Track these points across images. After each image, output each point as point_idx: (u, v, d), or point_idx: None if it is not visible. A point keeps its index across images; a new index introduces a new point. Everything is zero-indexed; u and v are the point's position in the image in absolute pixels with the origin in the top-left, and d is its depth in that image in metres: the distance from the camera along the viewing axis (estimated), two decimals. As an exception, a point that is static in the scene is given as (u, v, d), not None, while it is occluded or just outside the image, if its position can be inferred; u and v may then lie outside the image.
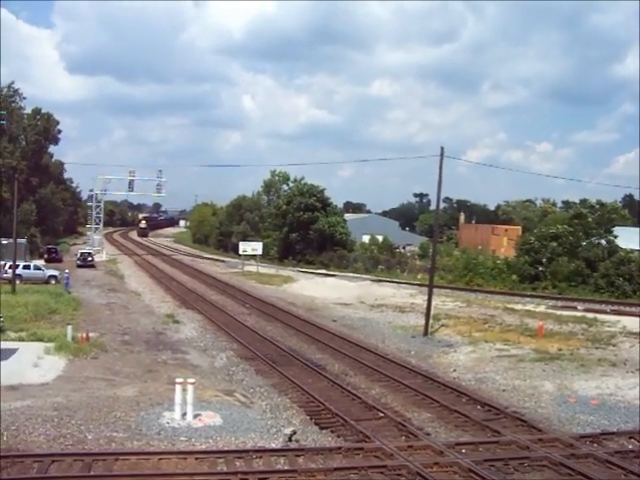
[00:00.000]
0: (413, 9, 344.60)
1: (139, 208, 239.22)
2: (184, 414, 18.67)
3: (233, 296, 49.47)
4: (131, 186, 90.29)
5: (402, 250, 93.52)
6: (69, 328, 29.13)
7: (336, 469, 15.27)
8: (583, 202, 75.55)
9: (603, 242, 60.87)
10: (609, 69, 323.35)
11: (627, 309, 45.60)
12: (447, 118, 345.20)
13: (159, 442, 17.07)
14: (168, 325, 35.67)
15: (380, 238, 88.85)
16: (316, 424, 19.33)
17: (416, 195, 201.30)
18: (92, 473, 14.71)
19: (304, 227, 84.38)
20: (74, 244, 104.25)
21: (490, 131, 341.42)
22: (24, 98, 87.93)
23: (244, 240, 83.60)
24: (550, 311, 44.15)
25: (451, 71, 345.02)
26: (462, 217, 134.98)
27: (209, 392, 21.72)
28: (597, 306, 46.90)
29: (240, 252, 76.19)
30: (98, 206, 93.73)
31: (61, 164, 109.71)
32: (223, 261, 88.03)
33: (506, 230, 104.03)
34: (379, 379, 24.79)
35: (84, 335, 28.94)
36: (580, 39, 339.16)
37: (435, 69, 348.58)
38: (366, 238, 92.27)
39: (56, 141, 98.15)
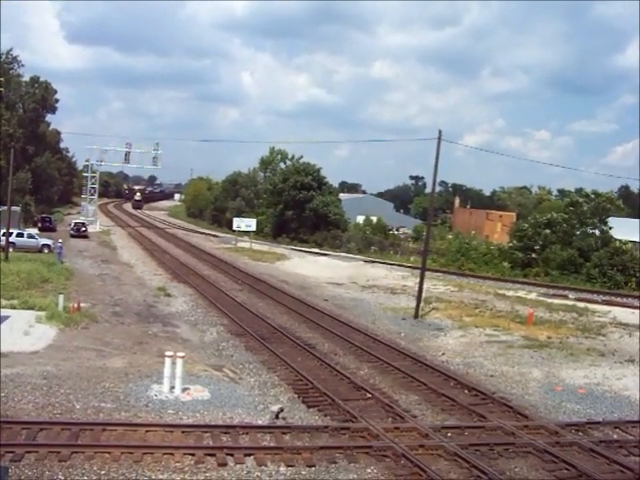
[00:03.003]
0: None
1: (134, 180, 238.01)
2: (172, 387, 18.75)
3: (225, 271, 49.45)
4: (127, 158, 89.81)
5: (396, 232, 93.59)
6: (61, 297, 29.12)
7: (322, 448, 15.34)
8: (579, 191, 75.65)
9: (597, 232, 61.00)
10: (610, 59, 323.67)
11: (618, 300, 45.84)
12: (446, 102, 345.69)
13: (146, 414, 17.15)
14: (159, 298, 35.67)
15: (374, 219, 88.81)
16: (303, 402, 19.35)
17: (412, 177, 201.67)
18: (79, 442, 14.76)
19: (299, 205, 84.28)
20: (68, 214, 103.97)
21: (489, 117, 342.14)
22: (22, 65, 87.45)
23: (238, 216, 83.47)
24: (541, 299, 44.31)
25: (452, 55, 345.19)
26: (457, 201, 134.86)
27: (198, 366, 21.80)
28: (589, 295, 47.14)
29: (234, 228, 76.19)
30: (93, 177, 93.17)
31: (58, 133, 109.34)
32: (217, 236, 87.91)
33: (500, 216, 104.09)
34: (368, 360, 24.84)
35: (75, 305, 28.95)
36: (582, 29, 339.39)
37: (436, 53, 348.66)
38: (360, 218, 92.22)
39: (53, 110, 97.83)
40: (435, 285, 46.94)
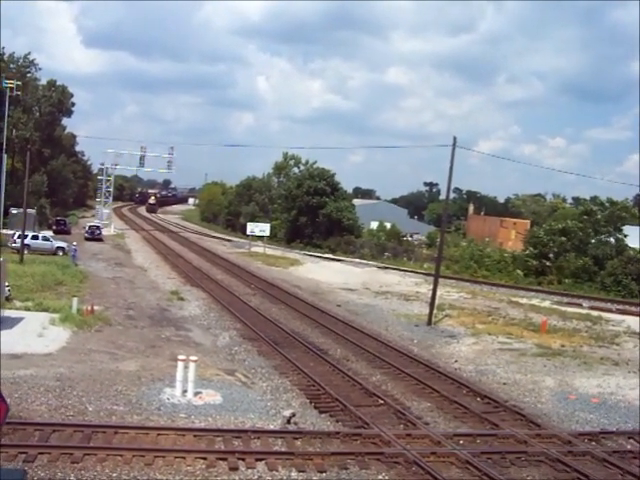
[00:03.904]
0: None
1: (149, 184, 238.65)
2: (185, 391, 18.77)
3: (238, 276, 49.53)
4: (142, 161, 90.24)
5: (409, 238, 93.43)
6: (75, 300, 29.27)
7: (333, 454, 15.32)
8: (593, 199, 75.30)
9: (612, 240, 60.65)
10: (626, 66, 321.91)
11: (633, 309, 45.44)
12: (461, 109, 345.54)
13: (159, 417, 17.19)
14: (173, 302, 35.76)
15: (388, 225, 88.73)
16: (315, 408, 19.36)
17: (426, 184, 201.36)
18: (92, 444, 14.82)
19: (313, 211, 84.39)
20: (83, 217, 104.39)
21: (503, 124, 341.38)
22: (39, 69, 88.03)
23: (252, 221, 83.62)
24: (555, 307, 44.07)
25: (467, 62, 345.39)
26: (471, 208, 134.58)
27: (210, 370, 21.81)
28: (602, 304, 46.81)
29: (248, 232, 76.33)
30: (108, 180, 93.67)
31: (73, 137, 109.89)
32: (230, 241, 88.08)
33: (515, 223, 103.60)
34: (380, 366, 24.81)
35: (89, 308, 29.06)
36: (598, 35, 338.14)
37: (451, 59, 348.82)
38: (374, 224, 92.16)
39: (69, 114, 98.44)
40: (448, 292, 46.79)
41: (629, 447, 17.59)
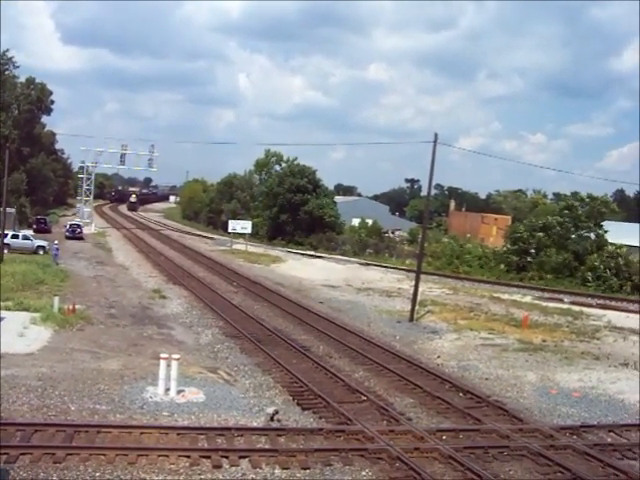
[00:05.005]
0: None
1: (130, 182, 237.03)
2: (167, 389, 18.73)
3: (220, 274, 49.42)
4: (123, 159, 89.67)
5: (391, 235, 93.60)
6: (56, 299, 29.11)
7: (316, 450, 15.34)
8: (574, 194, 75.63)
9: (592, 235, 61.02)
10: (606, 63, 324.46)
11: (613, 303, 45.84)
12: (441, 105, 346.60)
13: (141, 416, 17.15)
14: (154, 300, 35.62)
15: (370, 222, 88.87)
16: (298, 405, 19.36)
17: (407, 180, 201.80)
18: (74, 444, 14.75)
19: (294, 208, 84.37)
20: (63, 215, 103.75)
21: (484, 120, 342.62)
22: (17, 67, 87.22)
23: (234, 218, 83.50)
24: (536, 302, 44.35)
25: (448, 58, 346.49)
26: (452, 204, 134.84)
27: (193, 368, 21.78)
28: (583, 299, 47.11)
29: (229, 230, 76.20)
30: (89, 178, 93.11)
31: (53, 134, 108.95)
32: (212, 238, 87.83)
33: (496, 219, 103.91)
34: (363, 362, 24.85)
35: (70, 307, 28.90)
36: (578, 32, 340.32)
37: (432, 56, 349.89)
38: (356, 221, 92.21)
39: (49, 111, 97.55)
40: (430, 288, 46.96)
41: (610, 440, 17.72)
